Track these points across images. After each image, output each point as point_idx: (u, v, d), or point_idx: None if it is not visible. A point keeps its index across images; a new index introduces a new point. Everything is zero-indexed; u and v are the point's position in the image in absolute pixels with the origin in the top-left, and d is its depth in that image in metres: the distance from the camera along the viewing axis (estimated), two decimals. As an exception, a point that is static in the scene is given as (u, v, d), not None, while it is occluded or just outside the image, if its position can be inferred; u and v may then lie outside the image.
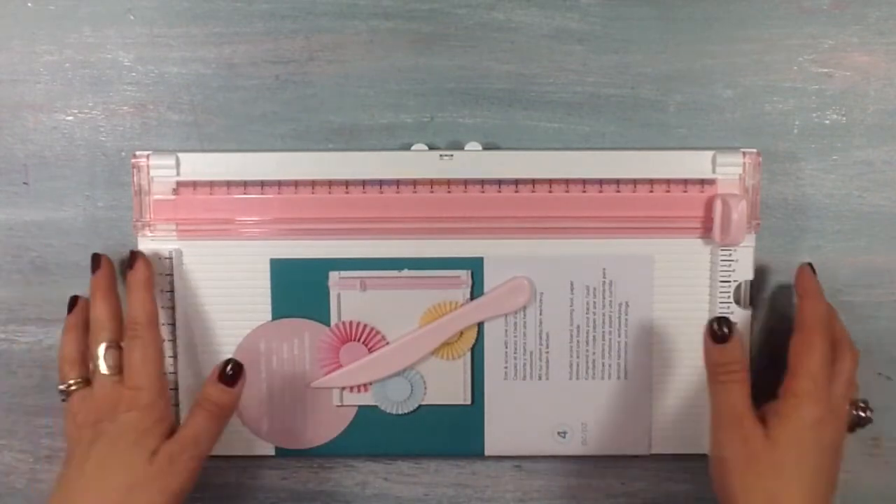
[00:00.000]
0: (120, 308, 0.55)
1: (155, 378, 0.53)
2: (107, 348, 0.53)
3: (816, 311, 0.53)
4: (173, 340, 0.56)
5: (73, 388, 0.53)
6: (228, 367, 0.53)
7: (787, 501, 0.49)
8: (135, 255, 0.55)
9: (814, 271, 0.55)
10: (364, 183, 0.55)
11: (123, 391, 0.52)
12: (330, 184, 0.55)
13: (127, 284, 0.54)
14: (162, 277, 0.55)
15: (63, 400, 0.54)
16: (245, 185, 0.55)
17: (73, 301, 0.56)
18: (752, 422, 0.51)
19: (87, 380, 0.54)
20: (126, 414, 0.52)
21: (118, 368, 0.53)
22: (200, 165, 0.55)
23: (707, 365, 0.53)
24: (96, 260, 0.55)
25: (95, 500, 0.50)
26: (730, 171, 0.55)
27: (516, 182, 0.55)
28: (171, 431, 0.53)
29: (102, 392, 0.53)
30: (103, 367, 0.53)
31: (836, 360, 0.52)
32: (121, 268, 0.57)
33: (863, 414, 0.53)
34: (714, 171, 0.55)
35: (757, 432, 0.50)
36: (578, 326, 0.57)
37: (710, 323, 0.52)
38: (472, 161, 0.55)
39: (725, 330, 0.52)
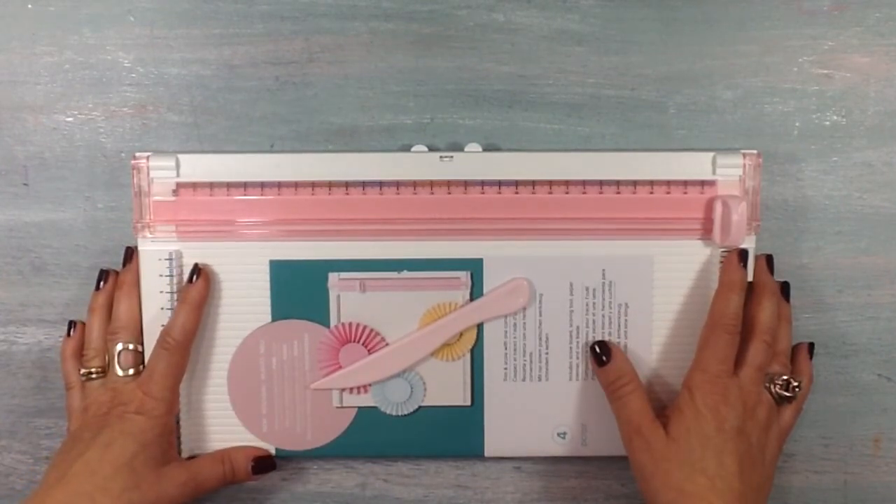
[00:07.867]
0: (140, 308, 0.55)
1: (171, 393, 0.54)
2: (122, 349, 0.54)
3: (716, 306, 0.53)
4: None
5: (93, 377, 0.54)
6: None
7: (693, 490, 0.50)
8: (198, 271, 0.55)
9: (743, 262, 0.54)
10: (364, 184, 0.55)
11: (137, 392, 0.53)
12: (330, 185, 0.55)
13: (180, 296, 0.55)
14: (161, 279, 0.55)
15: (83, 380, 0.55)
16: (245, 186, 0.55)
17: (104, 276, 0.56)
18: (650, 427, 0.52)
19: (105, 369, 0.55)
20: (135, 416, 0.52)
21: (133, 369, 0.54)
22: (200, 167, 0.55)
23: (602, 387, 0.55)
24: (129, 253, 0.56)
25: (94, 488, 0.50)
26: (730, 172, 0.55)
27: (516, 183, 0.55)
28: (170, 446, 0.54)
29: (116, 388, 0.54)
30: (118, 369, 0.54)
31: (746, 348, 0.53)
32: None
33: (784, 392, 0.53)
34: (714, 173, 0.55)
35: (657, 435, 0.52)
36: (578, 327, 0.57)
37: (591, 349, 0.55)
38: (472, 162, 0.55)
39: (605, 352, 0.55)
